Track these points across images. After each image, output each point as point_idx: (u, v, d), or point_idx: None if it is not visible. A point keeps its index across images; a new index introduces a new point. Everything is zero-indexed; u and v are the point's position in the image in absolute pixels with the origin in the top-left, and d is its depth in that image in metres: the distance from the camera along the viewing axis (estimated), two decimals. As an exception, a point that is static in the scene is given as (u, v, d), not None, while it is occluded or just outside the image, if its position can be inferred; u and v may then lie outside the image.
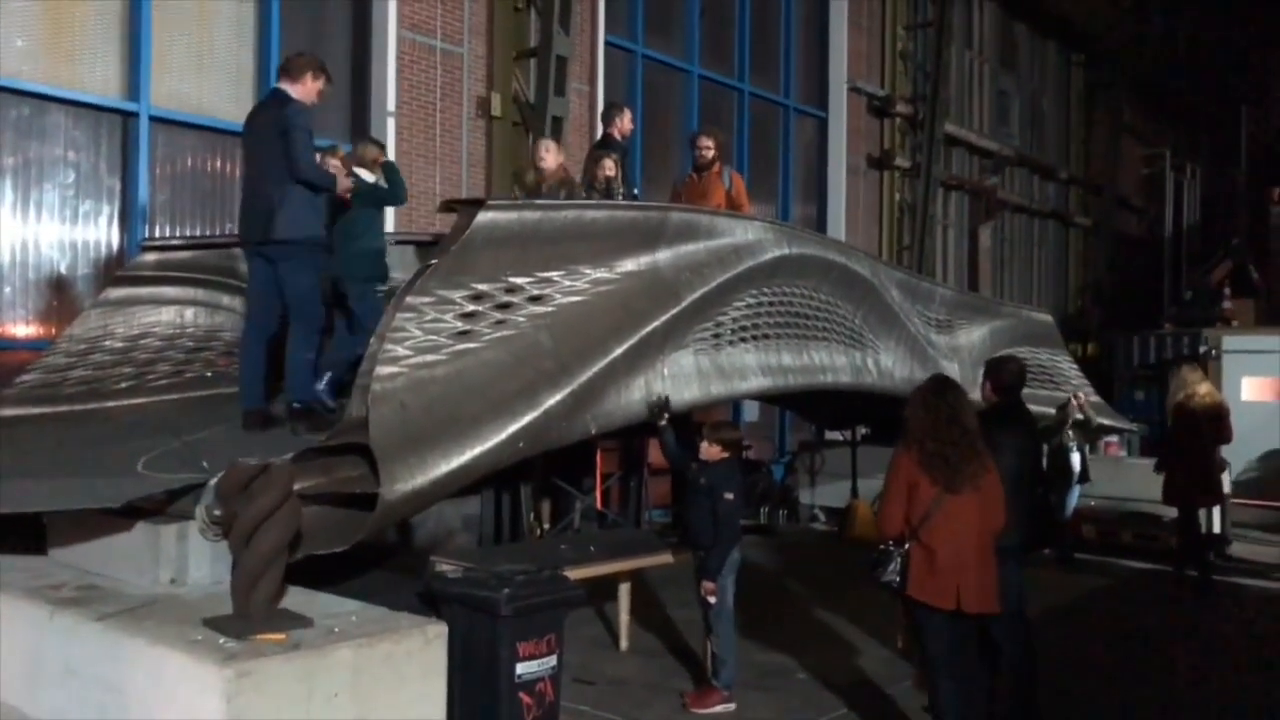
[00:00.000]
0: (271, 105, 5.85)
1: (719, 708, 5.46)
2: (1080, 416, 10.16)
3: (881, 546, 4.66)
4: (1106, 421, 11.83)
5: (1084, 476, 10.22)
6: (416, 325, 4.88)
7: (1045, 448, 10.29)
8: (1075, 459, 10.14)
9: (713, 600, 5.44)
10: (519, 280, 5.40)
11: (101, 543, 4.64)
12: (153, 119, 8.81)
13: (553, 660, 4.43)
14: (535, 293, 5.46)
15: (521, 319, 5.33)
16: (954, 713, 4.57)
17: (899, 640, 6.53)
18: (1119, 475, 11.35)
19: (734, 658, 5.56)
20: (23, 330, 8.31)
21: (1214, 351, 15.51)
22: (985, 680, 5.17)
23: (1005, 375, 5.46)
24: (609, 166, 7.79)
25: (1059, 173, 22.07)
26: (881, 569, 4.61)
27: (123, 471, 4.84)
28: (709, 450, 5.56)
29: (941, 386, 4.78)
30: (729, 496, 5.42)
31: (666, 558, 6.65)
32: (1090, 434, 11.00)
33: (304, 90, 5.82)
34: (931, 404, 4.62)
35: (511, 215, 5.44)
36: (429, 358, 4.87)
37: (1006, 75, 20.46)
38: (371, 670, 3.71)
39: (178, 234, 9.01)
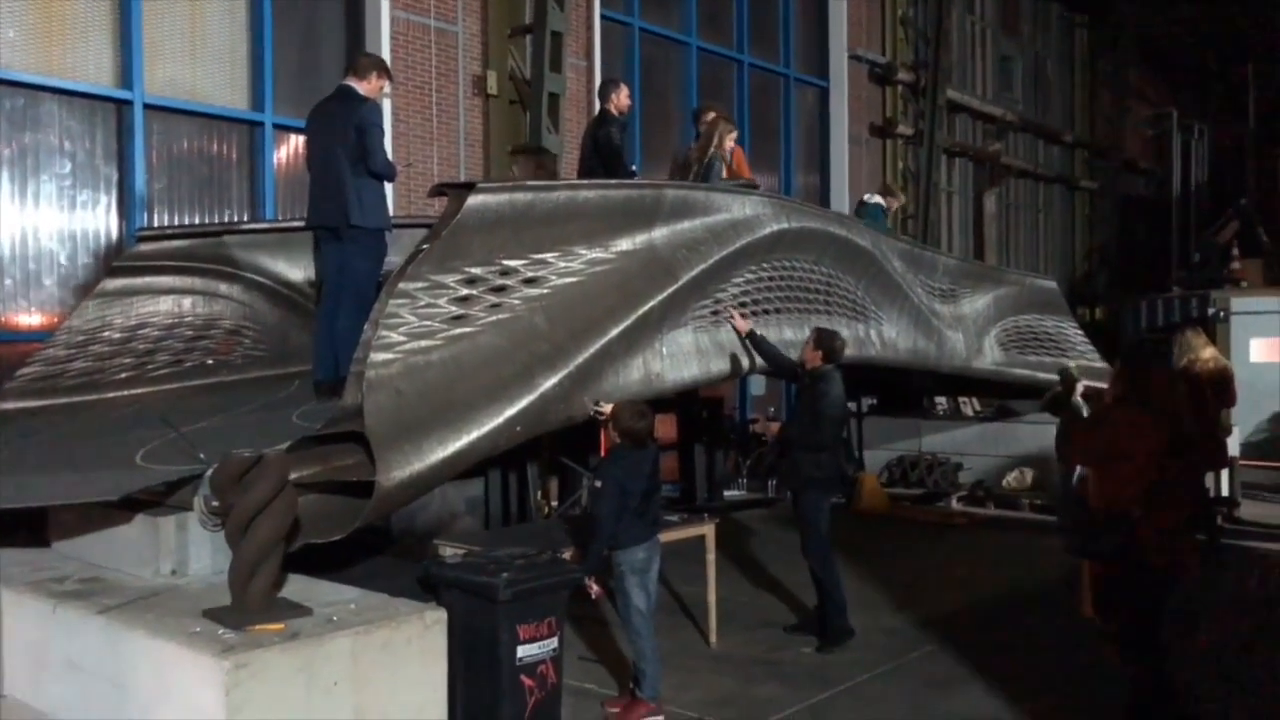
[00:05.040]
0: (343, 101, 6.16)
1: None
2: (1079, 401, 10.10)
3: None
4: (1112, 387, 11.75)
5: None
6: (410, 311, 4.87)
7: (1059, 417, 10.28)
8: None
9: (594, 594, 5.13)
10: (513, 263, 5.38)
11: (103, 535, 4.66)
12: (147, 107, 8.77)
13: (554, 642, 4.44)
14: (530, 275, 5.44)
15: (516, 302, 5.32)
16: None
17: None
18: (1126, 441, 11.29)
19: (655, 667, 5.15)
20: (24, 321, 8.32)
21: (1222, 313, 15.38)
22: None
23: (834, 347, 6.44)
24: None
25: (1064, 136, 21.87)
26: None
27: (121, 464, 4.84)
28: (611, 437, 5.21)
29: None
30: (598, 485, 5.10)
31: (671, 533, 6.65)
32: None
33: (370, 87, 6.22)
34: None
35: (502, 198, 5.41)
36: (424, 343, 4.86)
37: (1009, 39, 20.24)
38: (370, 658, 3.72)
39: (176, 222, 9.00)
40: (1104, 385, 12.00)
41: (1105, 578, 4.81)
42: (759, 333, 6.77)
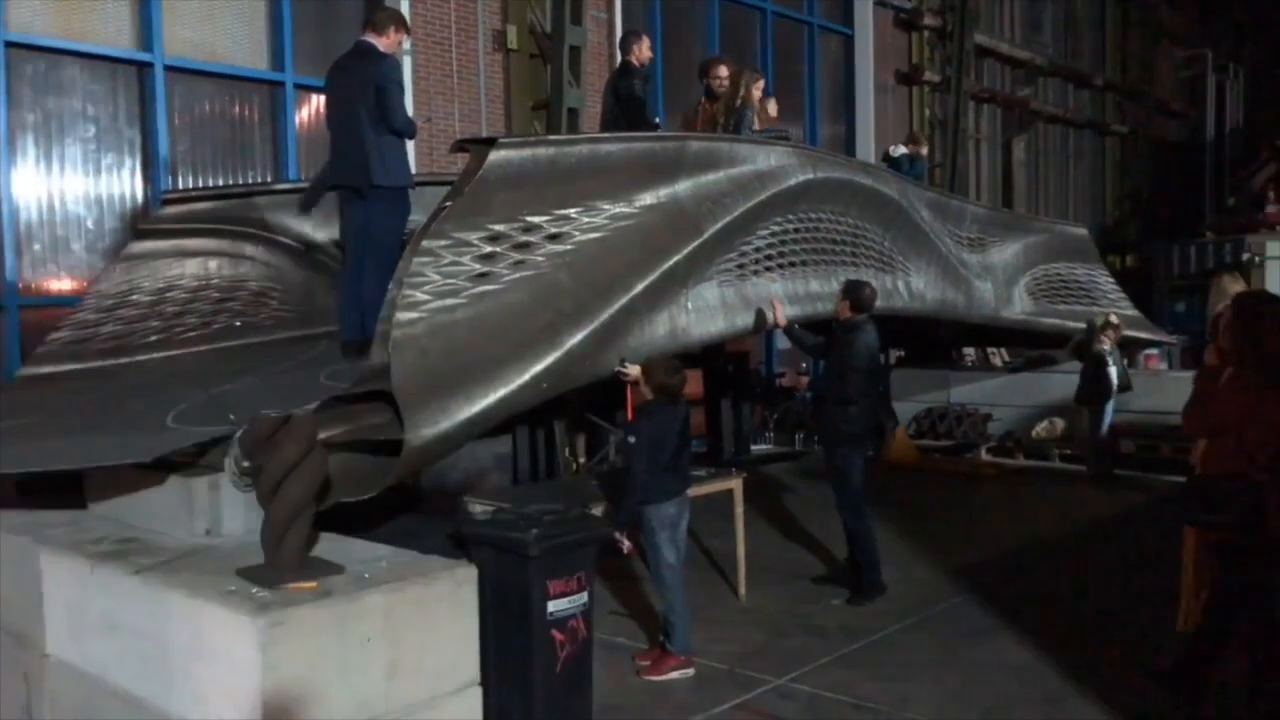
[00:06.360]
0: (361, 58, 6.06)
1: (675, 673, 5.18)
2: (1108, 347, 10.00)
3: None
4: (1144, 335, 11.64)
5: (1123, 386, 10.09)
6: (434, 269, 4.85)
7: (1081, 364, 10.21)
8: (1112, 372, 10.01)
9: (625, 550, 5.15)
10: (536, 219, 5.35)
11: (137, 496, 4.70)
12: (168, 68, 8.75)
13: (584, 597, 4.46)
14: (553, 231, 5.41)
15: (540, 259, 5.29)
16: None
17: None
18: (1159, 388, 11.17)
19: (685, 620, 5.24)
20: (54, 286, 8.39)
21: (1257, 258, 15.16)
22: None
23: (862, 296, 6.44)
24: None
25: (1094, 80, 21.43)
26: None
27: (153, 426, 4.88)
28: (643, 393, 5.24)
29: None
30: (630, 440, 5.15)
31: (699, 487, 6.65)
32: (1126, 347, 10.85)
33: (388, 43, 6.12)
34: None
35: (525, 153, 5.36)
36: (449, 301, 4.85)
37: (1039, -19, 19.80)
38: (403, 614, 3.75)
39: (200, 184, 9.01)
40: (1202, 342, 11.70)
41: (1221, 548, 4.56)
42: (796, 327, 6.76)
